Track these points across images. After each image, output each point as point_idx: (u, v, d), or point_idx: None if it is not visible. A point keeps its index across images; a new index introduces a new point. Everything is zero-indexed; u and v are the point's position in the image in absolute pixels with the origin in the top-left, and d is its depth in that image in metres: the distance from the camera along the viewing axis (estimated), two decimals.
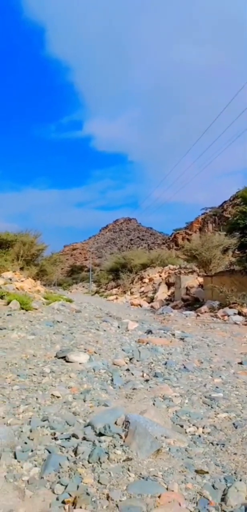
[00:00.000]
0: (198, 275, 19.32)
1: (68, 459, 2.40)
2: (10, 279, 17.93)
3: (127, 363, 5.50)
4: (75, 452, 2.50)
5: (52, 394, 3.82)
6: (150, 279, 25.81)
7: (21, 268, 22.42)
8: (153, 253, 34.79)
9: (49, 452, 2.52)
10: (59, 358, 5.42)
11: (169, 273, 23.99)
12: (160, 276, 24.79)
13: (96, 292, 39.02)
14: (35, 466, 2.37)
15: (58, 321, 9.83)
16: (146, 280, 26.39)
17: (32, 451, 2.54)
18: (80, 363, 5.23)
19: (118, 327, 10.07)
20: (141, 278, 27.91)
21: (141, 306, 20.24)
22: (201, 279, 17.76)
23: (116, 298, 25.31)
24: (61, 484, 2.11)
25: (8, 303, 11.62)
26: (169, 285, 21.56)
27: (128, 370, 5.04)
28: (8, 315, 9.79)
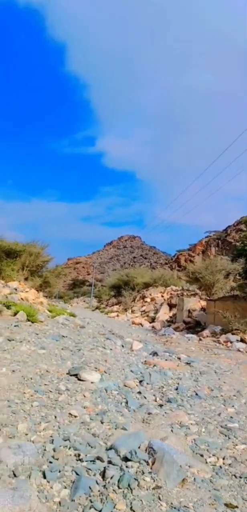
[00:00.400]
0: (200, 298, 19.38)
1: (97, 483, 2.45)
2: (16, 289, 17.97)
3: (137, 385, 5.54)
4: (103, 476, 2.55)
5: (69, 413, 3.86)
6: (152, 299, 25.85)
7: (26, 279, 22.48)
8: (156, 272, 34.85)
9: (77, 474, 2.57)
10: (71, 375, 5.46)
11: (171, 294, 24.03)
12: (162, 296, 24.82)
13: (97, 307, 38.97)
14: (65, 487, 2.42)
15: (63, 336, 9.88)
16: (148, 300, 26.41)
17: (59, 471, 2.58)
18: (92, 382, 5.27)
19: (122, 346, 10.08)
20: (143, 297, 27.94)
21: (142, 326, 20.23)
22: (203, 303, 17.81)
23: (118, 316, 25.30)
24: (95, 509, 2.16)
25: (15, 314, 11.68)
26: (170, 306, 21.59)
27: (139, 393, 5.08)
28: (15, 326, 9.84)
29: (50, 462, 2.73)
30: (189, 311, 17.37)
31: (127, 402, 4.46)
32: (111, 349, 8.83)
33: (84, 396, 4.56)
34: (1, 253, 20.38)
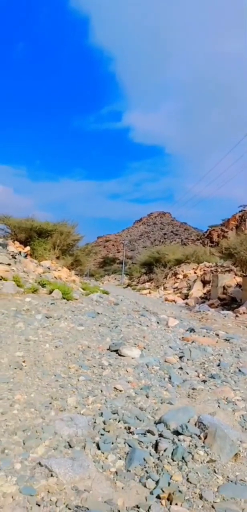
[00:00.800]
0: (236, 274, 19.04)
1: (151, 455, 2.49)
2: (49, 268, 18.34)
3: (177, 361, 5.55)
4: (155, 448, 2.59)
5: (115, 387, 3.92)
6: (184, 276, 25.68)
7: (57, 258, 22.89)
8: (188, 248, 34.55)
9: (130, 446, 2.62)
10: (112, 351, 5.54)
11: (204, 270, 23.77)
12: (195, 273, 24.60)
13: (128, 285, 39.21)
14: (120, 458, 2.47)
15: (98, 313, 10.00)
16: (180, 276, 26.27)
17: (112, 443, 2.64)
18: (132, 358, 5.32)
19: (158, 322, 10.10)
20: (175, 274, 27.81)
21: (175, 302, 20.19)
22: (239, 279, 17.49)
23: (150, 293, 25.33)
24: (152, 479, 2.19)
25: (51, 292, 11.93)
26: (204, 282, 21.37)
27: (181, 368, 5.08)
28: (51, 304, 10.06)
29: (102, 435, 2.79)
30: (224, 287, 17.13)
31: (170, 378, 4.48)
32: (147, 326, 8.87)
33: (127, 371, 4.61)
34: (33, 233, 20.80)
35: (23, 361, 4.26)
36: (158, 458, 2.44)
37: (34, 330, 6.37)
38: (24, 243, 20.12)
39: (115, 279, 55.29)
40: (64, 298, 11.64)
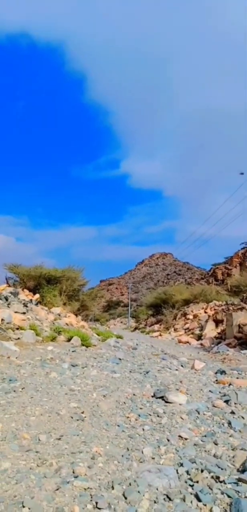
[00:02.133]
0: None
1: None
2: (59, 315, 18.24)
3: (225, 406, 5.43)
4: None
5: (179, 436, 3.83)
6: (195, 316, 25.50)
7: (64, 304, 22.80)
8: (195, 288, 34.47)
9: (228, 496, 2.53)
10: (157, 397, 5.43)
11: (215, 309, 23.64)
12: (206, 312, 24.45)
13: (136, 328, 38.80)
14: (225, 510, 2.38)
15: (120, 358, 9.88)
16: (190, 317, 26.08)
17: (210, 494, 2.55)
18: (180, 404, 5.21)
19: (182, 366, 9.95)
20: (184, 314, 27.62)
21: (189, 344, 19.95)
22: None
23: (160, 335, 25.07)
24: None
25: (69, 339, 11.85)
26: (216, 322, 21.20)
27: (233, 413, 4.97)
28: (73, 351, 9.97)
29: (191, 486, 2.71)
30: (239, 326, 16.96)
31: (229, 423, 4.37)
32: (177, 370, 8.74)
33: (182, 418, 4.51)
34: (42, 280, 20.84)
35: (82, 412, 4.18)
36: None
37: (70, 379, 6.28)
38: (33, 290, 20.15)
39: (121, 322, 54.73)
40: (83, 345, 11.53)
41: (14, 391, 5.10)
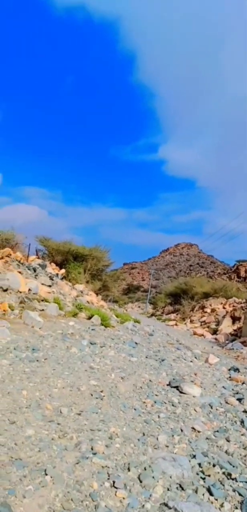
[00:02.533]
0: None
1: None
2: (82, 292, 18.55)
3: (238, 404, 5.49)
4: None
5: (192, 427, 3.93)
6: (212, 310, 25.41)
7: (87, 282, 23.12)
8: (216, 282, 34.23)
9: (240, 494, 2.62)
10: (172, 387, 5.54)
11: (234, 306, 23.48)
12: (224, 308, 24.32)
13: (153, 314, 38.99)
14: (236, 507, 2.48)
15: (136, 343, 10.01)
16: (208, 310, 26.00)
17: (222, 489, 2.65)
18: (194, 396, 5.30)
19: (196, 358, 10.01)
20: (202, 307, 27.56)
21: (204, 337, 19.96)
22: None
23: (176, 325, 25.13)
24: None
25: (90, 317, 12.06)
26: (234, 318, 21.07)
27: (245, 411, 5.03)
28: (92, 329, 10.17)
29: (203, 479, 2.81)
30: None
31: (242, 422, 4.44)
32: (192, 362, 8.83)
33: (196, 411, 4.60)
34: (69, 256, 21.17)
35: (101, 391, 4.34)
36: None
37: (89, 356, 6.46)
38: (60, 265, 20.49)
39: (139, 307, 55.01)
40: (102, 325, 11.73)
41: (37, 360, 5.32)
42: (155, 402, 4.46)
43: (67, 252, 20.83)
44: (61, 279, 17.88)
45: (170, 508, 2.26)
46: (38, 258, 20.17)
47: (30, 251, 19.82)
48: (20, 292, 11.51)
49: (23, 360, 5.19)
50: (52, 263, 20.41)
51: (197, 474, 2.88)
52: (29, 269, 16.60)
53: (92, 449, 2.84)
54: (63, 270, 19.94)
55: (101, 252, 23.57)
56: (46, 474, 2.32)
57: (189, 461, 3.06)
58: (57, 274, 17.80)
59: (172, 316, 30.77)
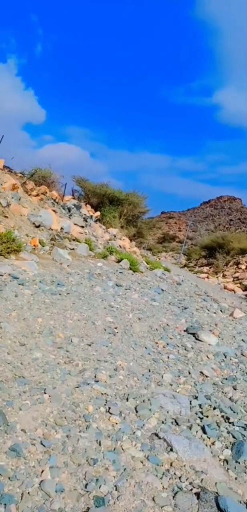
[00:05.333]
0: None
1: None
2: (115, 236, 18.70)
3: None
4: None
5: (201, 372, 3.99)
6: None
7: (121, 227, 23.23)
8: None
9: (233, 436, 2.67)
10: (189, 333, 5.59)
11: None
12: None
13: (185, 265, 38.87)
14: (226, 447, 2.53)
15: (163, 289, 10.06)
16: (242, 267, 25.53)
17: (216, 430, 2.71)
18: (209, 344, 5.33)
19: (221, 310, 9.96)
20: (237, 263, 27.07)
21: (234, 292, 19.75)
22: None
23: (208, 277, 24.98)
24: None
25: (119, 261, 12.21)
26: None
27: None
28: (120, 272, 10.32)
29: (201, 418, 2.87)
30: None
31: None
32: (215, 313, 8.81)
33: (208, 358, 4.65)
34: (105, 200, 21.22)
35: (115, 327, 4.46)
36: None
37: (111, 296, 6.60)
38: (95, 207, 20.60)
39: (172, 257, 54.89)
40: (131, 269, 11.86)
41: (60, 294, 5.51)
42: (167, 344, 4.54)
43: (103, 195, 20.83)
44: (95, 221, 18.07)
45: (159, 438, 2.34)
46: (74, 198, 20.37)
47: (67, 191, 20.03)
48: (52, 230, 11.78)
49: (45, 292, 5.39)
50: (88, 205, 20.55)
51: (196, 413, 2.95)
52: (63, 209, 16.87)
53: (95, 377, 2.96)
54: (98, 213, 20.06)
55: (138, 198, 23.36)
56: (45, 393, 2.46)
57: (190, 401, 3.13)
58: (91, 216, 17.98)
59: (205, 269, 30.51)
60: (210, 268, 30.18)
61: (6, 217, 10.25)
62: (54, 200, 16.75)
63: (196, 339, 5.42)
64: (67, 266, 8.74)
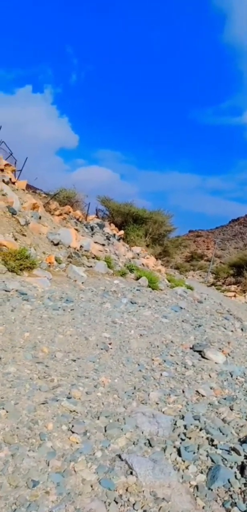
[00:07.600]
0: None
1: (236, 478, 2.28)
2: (138, 254, 18.60)
3: None
4: (241, 471, 2.37)
5: (197, 391, 3.75)
6: None
7: (147, 245, 23.10)
8: None
9: (212, 460, 2.44)
10: (195, 351, 5.34)
11: None
12: None
13: (213, 284, 38.03)
14: (201, 472, 2.31)
15: (181, 307, 9.79)
16: None
17: (194, 452, 2.49)
18: (216, 363, 5.06)
19: (242, 329, 9.55)
20: None
21: None
22: None
23: (235, 296, 24.26)
24: (239, 509, 2.00)
25: (138, 278, 12.06)
26: None
27: None
28: (137, 290, 10.16)
29: (182, 440, 2.66)
30: None
31: None
32: (232, 331, 8.44)
33: (210, 376, 4.39)
34: (129, 218, 21.25)
35: (110, 343, 4.31)
36: (245, 484, 2.23)
37: (120, 313, 6.46)
38: (119, 226, 20.69)
39: (200, 275, 53.84)
40: (149, 287, 11.67)
41: (64, 310, 5.43)
42: (164, 361, 4.32)
43: (127, 214, 20.89)
44: (118, 239, 18.06)
45: (122, 460, 2.16)
46: (97, 217, 20.52)
47: (91, 211, 20.25)
48: (70, 248, 11.82)
49: (47, 307, 5.33)
50: (112, 224, 20.64)
51: (178, 435, 2.74)
52: (86, 227, 17.00)
53: (69, 393, 2.82)
54: (122, 232, 20.10)
55: (163, 216, 23.24)
56: (3, 409, 2.34)
57: (175, 421, 2.92)
58: (114, 235, 18.00)
59: (232, 287, 29.68)
60: (238, 286, 29.34)
61: (24, 235, 10.38)
62: (77, 219, 16.94)
63: (202, 357, 5.16)
64: (82, 283, 8.69)
